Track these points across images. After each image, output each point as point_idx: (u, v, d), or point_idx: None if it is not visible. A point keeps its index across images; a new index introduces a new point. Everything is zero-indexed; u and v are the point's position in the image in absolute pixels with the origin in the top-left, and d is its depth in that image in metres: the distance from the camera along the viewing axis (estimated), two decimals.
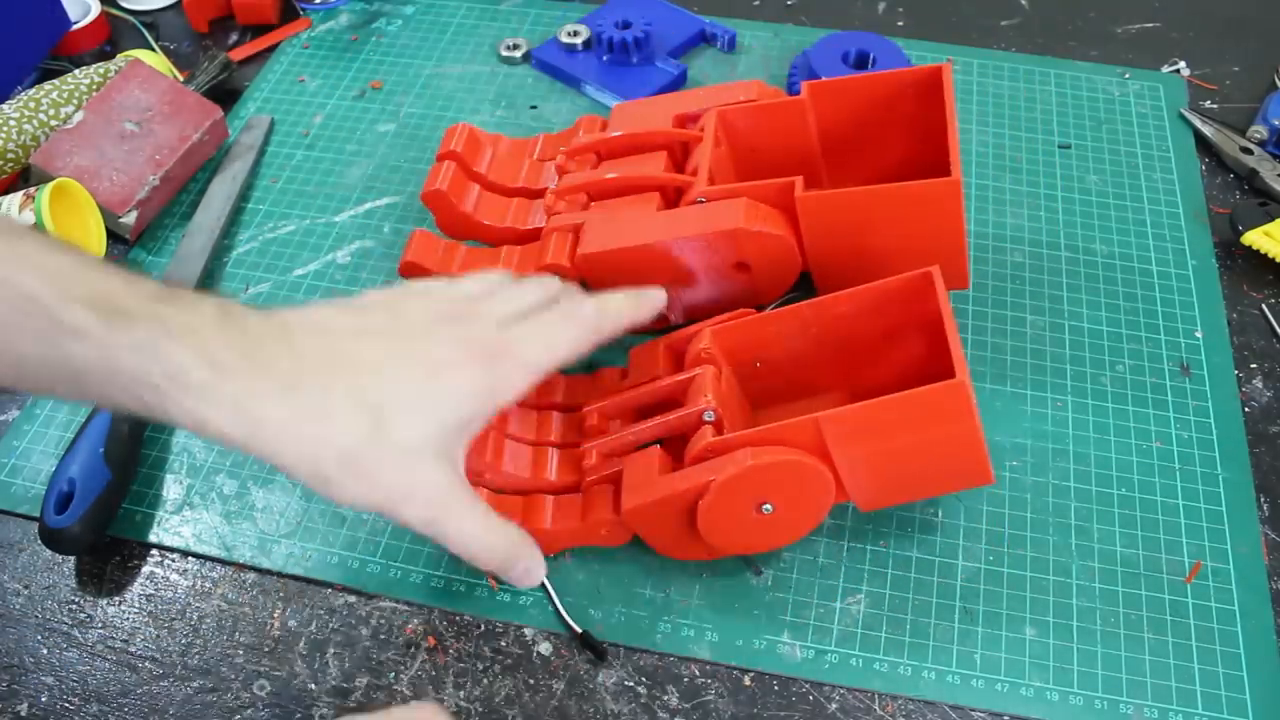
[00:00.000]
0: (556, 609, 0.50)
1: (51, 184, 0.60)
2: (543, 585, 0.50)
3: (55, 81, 0.70)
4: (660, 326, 0.56)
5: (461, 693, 0.48)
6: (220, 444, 0.39)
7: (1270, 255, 0.63)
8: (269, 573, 0.52)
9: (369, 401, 0.41)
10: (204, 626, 0.50)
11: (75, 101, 0.69)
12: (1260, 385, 0.59)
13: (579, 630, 0.49)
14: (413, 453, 0.41)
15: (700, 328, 0.52)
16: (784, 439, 0.45)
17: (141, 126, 0.67)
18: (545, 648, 0.49)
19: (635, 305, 0.51)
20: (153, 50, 0.78)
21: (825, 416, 0.44)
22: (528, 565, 0.47)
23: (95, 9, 0.80)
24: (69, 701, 0.48)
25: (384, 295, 0.47)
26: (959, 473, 0.48)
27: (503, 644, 0.49)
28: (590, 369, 0.57)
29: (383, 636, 0.50)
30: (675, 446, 0.49)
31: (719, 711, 0.47)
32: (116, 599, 0.51)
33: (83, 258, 0.39)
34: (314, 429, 0.40)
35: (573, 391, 0.56)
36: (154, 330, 0.38)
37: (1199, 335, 0.61)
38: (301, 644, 0.50)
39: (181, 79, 0.74)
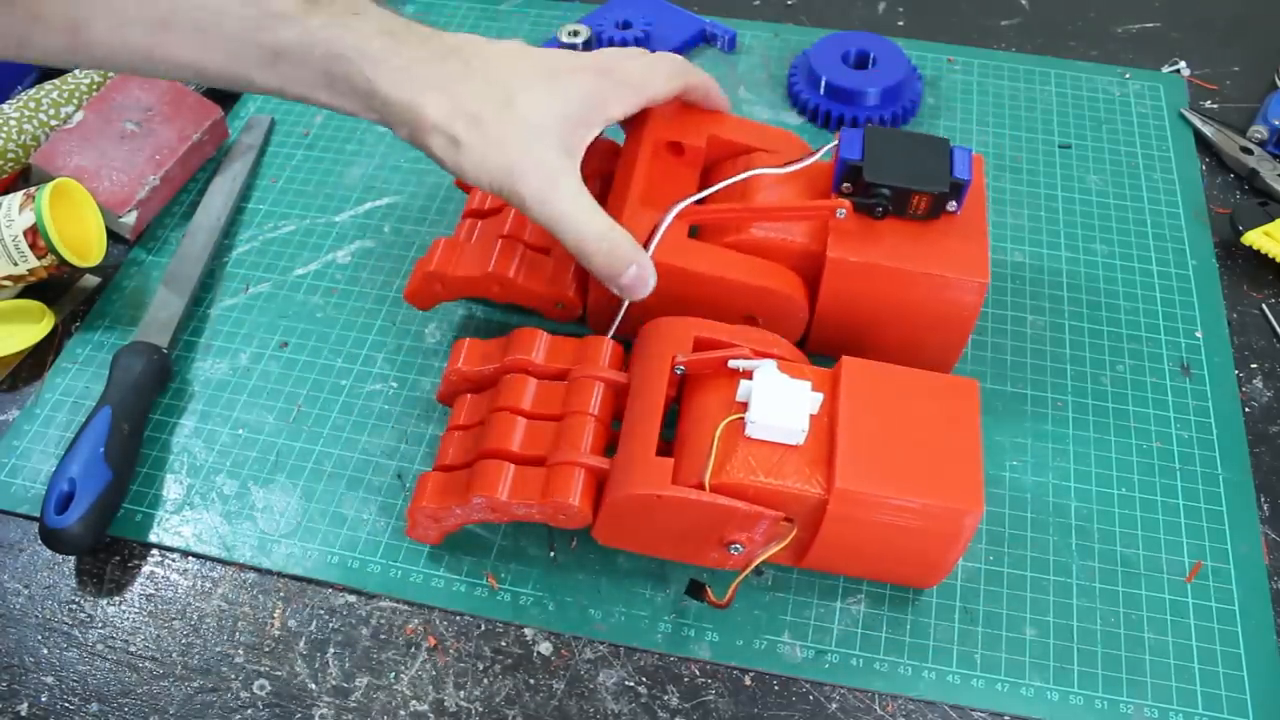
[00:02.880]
0: None
1: (51, 184, 0.60)
2: None
3: (55, 81, 0.70)
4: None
5: (461, 693, 0.48)
6: (378, 113, 0.49)
7: (1270, 255, 0.63)
8: (269, 573, 0.52)
9: (502, 82, 0.49)
10: (204, 626, 0.50)
11: (75, 101, 0.69)
12: (1260, 385, 0.59)
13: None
14: (535, 129, 0.49)
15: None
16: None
17: (141, 126, 0.67)
18: (545, 648, 0.49)
19: (705, 81, 0.57)
20: None
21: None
22: (639, 269, 0.50)
23: None
24: (69, 701, 0.48)
25: None
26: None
27: (503, 644, 0.49)
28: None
29: (383, 636, 0.50)
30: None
31: (719, 711, 0.47)
32: (116, 599, 0.51)
33: None
34: (457, 90, 0.48)
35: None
36: (345, 9, 0.48)
37: (1199, 335, 0.61)
38: (301, 644, 0.50)
39: None
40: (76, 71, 0.70)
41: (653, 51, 0.57)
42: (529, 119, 0.49)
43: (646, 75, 0.54)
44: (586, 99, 0.51)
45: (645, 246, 0.52)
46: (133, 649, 0.50)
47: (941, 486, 0.44)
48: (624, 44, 0.74)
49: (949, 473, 0.45)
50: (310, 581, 0.52)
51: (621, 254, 0.50)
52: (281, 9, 0.47)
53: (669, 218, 0.52)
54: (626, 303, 0.53)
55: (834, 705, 0.47)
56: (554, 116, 0.49)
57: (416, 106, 0.48)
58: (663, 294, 0.52)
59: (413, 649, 0.49)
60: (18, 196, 0.60)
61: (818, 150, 0.55)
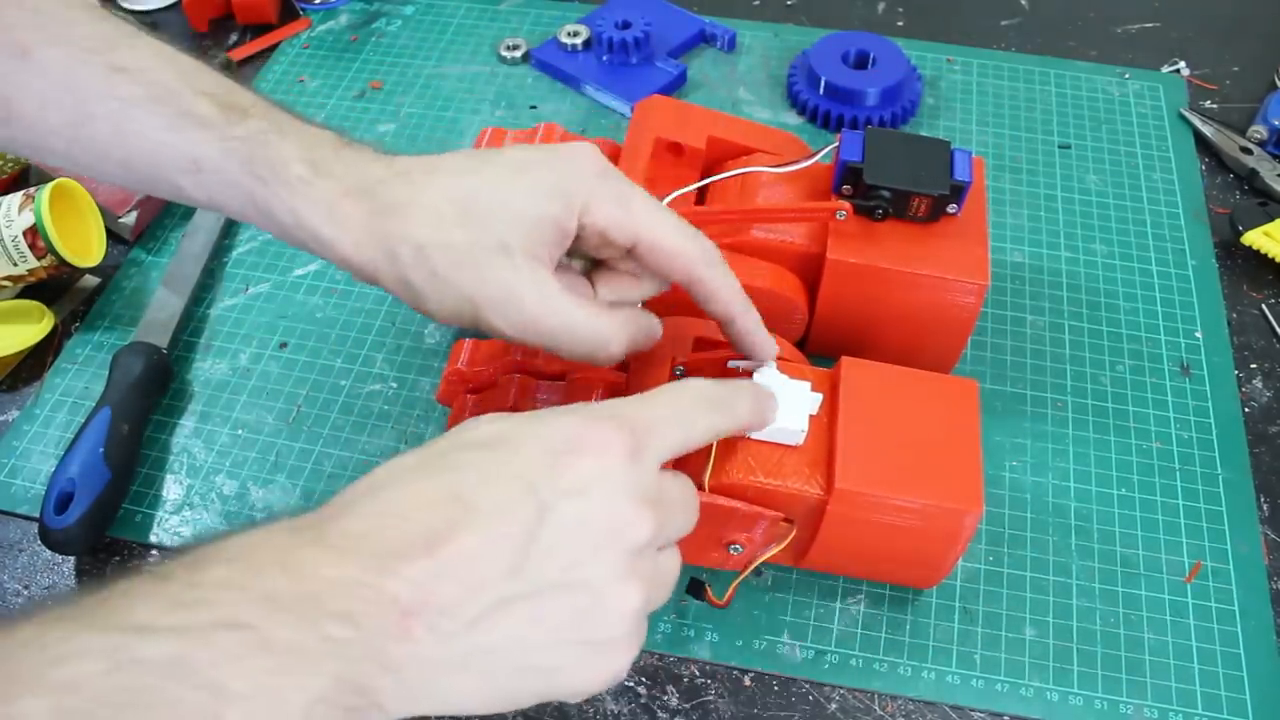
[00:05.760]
0: None
1: (51, 184, 0.60)
2: None
3: None
4: None
5: None
6: (311, 247, 0.41)
7: (1270, 255, 0.63)
8: None
9: (455, 196, 0.40)
10: None
11: None
12: (1260, 385, 0.59)
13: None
14: (501, 249, 0.40)
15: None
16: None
17: None
18: None
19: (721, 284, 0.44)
20: None
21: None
22: (649, 334, 0.45)
23: None
24: None
25: None
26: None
27: None
28: None
29: None
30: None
31: (719, 711, 0.47)
32: None
33: (201, 62, 0.43)
34: (394, 224, 0.40)
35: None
36: (265, 125, 0.41)
37: (1199, 335, 0.61)
38: None
39: None
40: None
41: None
42: (485, 233, 0.39)
43: (651, 207, 0.42)
44: (562, 193, 0.40)
45: None
46: None
47: (941, 487, 0.44)
48: (624, 44, 0.74)
49: (949, 473, 0.45)
50: None
51: (630, 336, 0.43)
52: (201, 113, 0.41)
53: None
54: None
55: (834, 705, 0.47)
56: (516, 218, 0.40)
57: (348, 252, 0.40)
58: (663, 295, 0.52)
59: None
60: (17, 197, 0.60)
61: (817, 151, 0.55)
